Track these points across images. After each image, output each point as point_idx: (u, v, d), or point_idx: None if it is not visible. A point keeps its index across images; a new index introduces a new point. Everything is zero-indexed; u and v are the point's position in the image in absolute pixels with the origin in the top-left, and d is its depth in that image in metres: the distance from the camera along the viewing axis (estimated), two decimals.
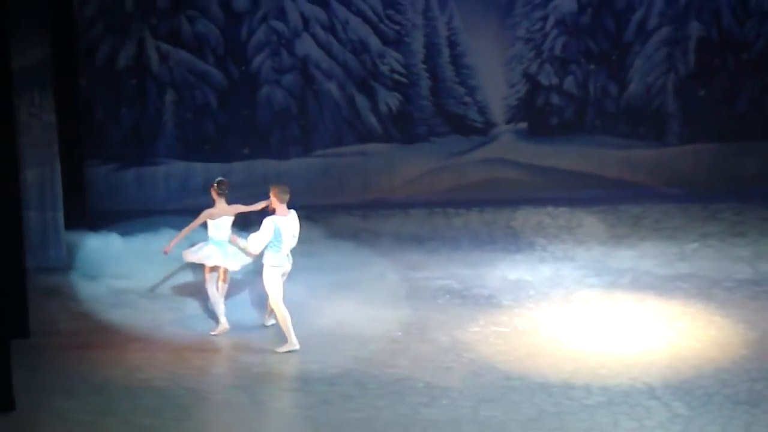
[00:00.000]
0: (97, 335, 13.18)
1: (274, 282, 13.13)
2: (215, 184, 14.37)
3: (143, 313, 14.05)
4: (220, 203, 14.28)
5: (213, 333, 13.65)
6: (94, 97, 20.09)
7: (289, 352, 12.75)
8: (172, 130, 20.36)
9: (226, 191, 14.33)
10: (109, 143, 20.19)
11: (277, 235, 13.07)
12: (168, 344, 12.79)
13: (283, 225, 13.14)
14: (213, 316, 13.81)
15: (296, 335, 12.74)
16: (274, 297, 13.09)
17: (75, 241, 17.37)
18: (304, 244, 17.03)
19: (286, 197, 13.26)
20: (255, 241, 13.14)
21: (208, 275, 14.09)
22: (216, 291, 14.06)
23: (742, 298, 13.90)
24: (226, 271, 14.10)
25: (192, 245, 14.38)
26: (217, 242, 14.09)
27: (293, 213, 13.34)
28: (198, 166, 20.40)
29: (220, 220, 14.19)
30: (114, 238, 17.56)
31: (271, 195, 13.32)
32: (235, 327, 13.45)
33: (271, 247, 13.11)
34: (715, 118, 20.75)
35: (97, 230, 17.87)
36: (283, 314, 13.02)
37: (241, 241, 13.62)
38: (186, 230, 14.28)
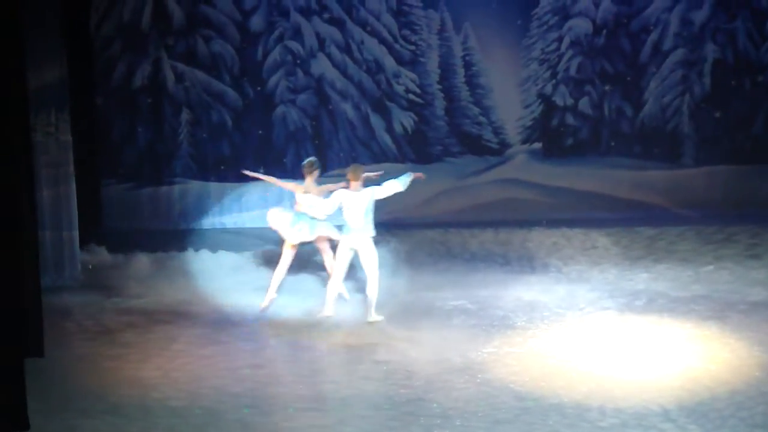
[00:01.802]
0: (113, 354, 13.19)
1: (340, 252, 14.36)
2: (303, 164, 15.10)
3: (158, 333, 14.05)
4: (308, 182, 14.94)
5: (261, 305, 14.65)
6: (110, 117, 20.24)
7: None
8: (188, 149, 20.45)
9: (312, 171, 14.95)
10: (125, 162, 20.31)
11: (345, 209, 14.20)
12: (184, 363, 12.79)
13: (347, 199, 14.19)
14: (230, 324, 13.94)
15: (311, 353, 12.86)
16: (337, 269, 14.42)
17: (91, 260, 17.42)
18: (313, 265, 17.12)
19: (358, 175, 14.29)
20: (319, 207, 14.46)
21: (290, 249, 14.93)
22: (285, 267, 14.87)
23: (757, 320, 13.84)
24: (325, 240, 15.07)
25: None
26: (303, 217, 14.78)
27: (366, 190, 14.27)
28: (213, 186, 20.49)
29: (305, 197, 14.82)
30: (129, 257, 17.61)
31: (347, 174, 14.37)
32: (245, 345, 13.45)
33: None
34: (730, 141, 20.76)
35: (112, 249, 17.91)
36: (331, 287, 14.41)
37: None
38: (274, 179, 15.49)
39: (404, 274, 16.48)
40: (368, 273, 14.39)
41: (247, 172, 15.73)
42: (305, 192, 14.87)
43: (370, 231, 14.38)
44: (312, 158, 15.41)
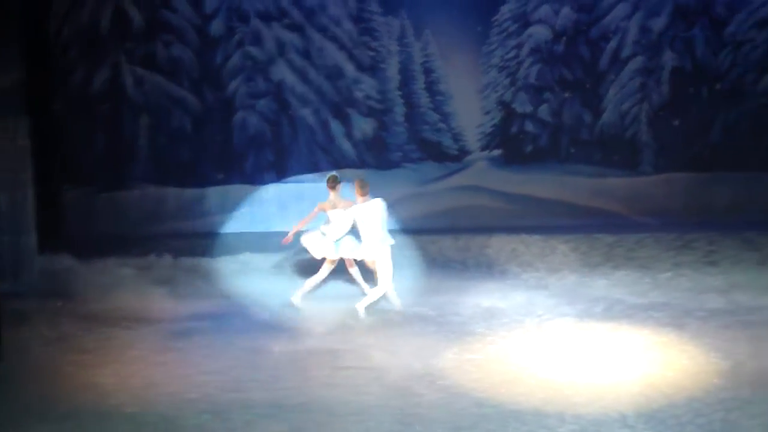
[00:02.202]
0: (70, 360, 13.10)
1: (386, 263, 15.08)
2: (327, 179, 15.75)
3: (115, 338, 13.98)
4: (333, 197, 15.63)
5: (293, 299, 15.47)
6: (69, 122, 20.08)
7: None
8: (147, 154, 20.35)
9: (336, 185, 15.63)
10: (84, 167, 20.17)
11: (362, 223, 14.96)
12: (140, 370, 12.73)
13: (361, 213, 14.98)
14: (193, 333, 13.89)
15: (271, 358, 12.84)
16: (387, 273, 15.08)
17: (49, 265, 17.31)
18: (276, 269, 17.09)
19: (365, 189, 15.07)
20: (337, 227, 15.27)
21: (329, 264, 15.65)
22: (320, 278, 15.66)
23: (715, 327, 13.92)
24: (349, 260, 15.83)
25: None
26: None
27: (376, 200, 15.05)
28: (172, 191, 20.39)
29: (332, 212, 15.48)
30: (89, 263, 17.50)
31: (356, 190, 15.16)
32: (203, 351, 13.39)
33: (363, 233, 15.08)
34: (688, 148, 20.86)
35: (72, 255, 17.80)
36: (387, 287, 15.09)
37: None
38: (302, 222, 15.79)
39: (364, 279, 16.47)
40: (381, 276, 15.16)
41: (289, 237, 15.91)
42: (333, 207, 15.53)
43: (390, 239, 15.21)
44: (333, 173, 16.07)
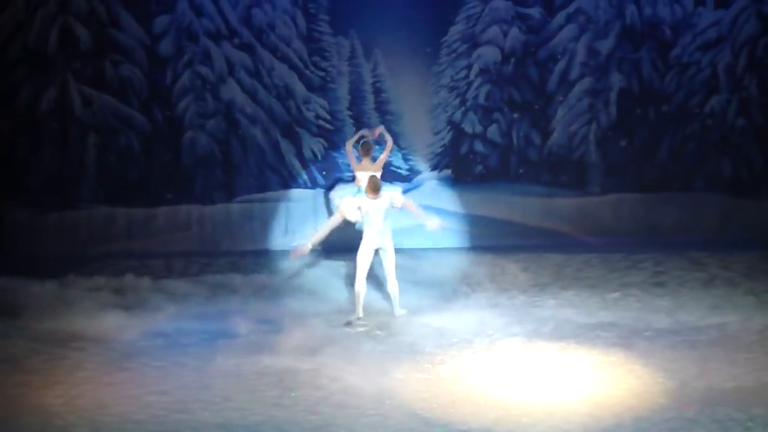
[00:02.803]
0: (15, 381, 12.98)
1: (363, 255, 15.56)
2: (362, 146, 16.97)
3: (63, 359, 13.86)
4: (365, 162, 16.96)
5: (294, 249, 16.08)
6: (15, 141, 19.93)
7: (357, 320, 15.45)
8: (95, 174, 20.23)
9: (368, 151, 16.92)
10: (30, 187, 20.02)
11: (365, 215, 15.55)
12: (88, 391, 12.63)
13: (366, 206, 15.55)
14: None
15: (219, 379, 12.74)
16: (359, 268, 15.50)
17: None
18: (224, 290, 17.05)
19: (377, 189, 15.49)
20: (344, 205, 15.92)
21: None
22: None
23: (662, 347, 13.99)
24: None
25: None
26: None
27: (384, 196, 15.59)
28: (120, 211, 20.28)
29: (362, 174, 16.69)
30: (34, 283, 17.34)
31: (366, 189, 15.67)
32: (151, 371, 13.31)
33: (364, 224, 15.64)
34: (635, 169, 21.05)
35: (17, 274, 17.64)
36: (358, 288, 15.49)
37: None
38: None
39: (313, 299, 16.46)
40: (388, 271, 15.83)
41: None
42: (363, 170, 16.76)
43: (389, 231, 15.81)
44: (367, 140, 17.15)
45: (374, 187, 15.58)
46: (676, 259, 19.19)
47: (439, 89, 20.95)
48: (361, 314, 15.61)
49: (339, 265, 19.12)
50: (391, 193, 16.12)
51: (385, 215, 15.77)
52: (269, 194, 20.64)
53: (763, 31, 20.97)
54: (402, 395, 12.30)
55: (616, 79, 20.96)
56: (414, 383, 12.75)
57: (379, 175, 16.57)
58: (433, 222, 15.97)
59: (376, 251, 15.77)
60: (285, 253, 19.85)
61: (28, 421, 11.51)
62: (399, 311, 15.90)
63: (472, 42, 20.93)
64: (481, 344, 14.38)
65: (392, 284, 15.91)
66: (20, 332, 15.17)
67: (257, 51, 20.51)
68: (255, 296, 16.76)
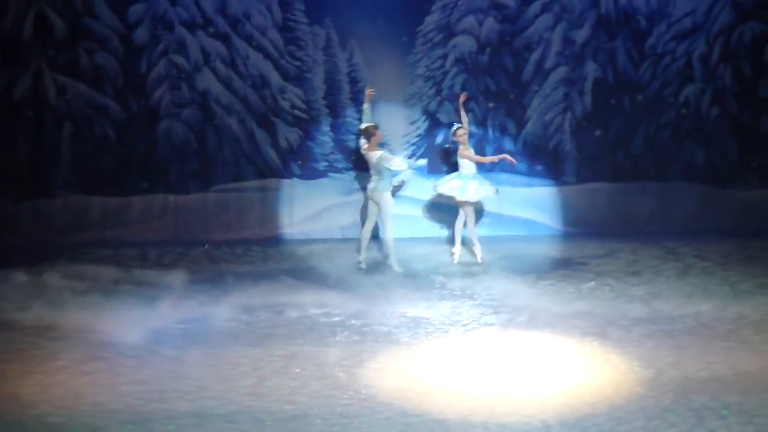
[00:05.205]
0: None
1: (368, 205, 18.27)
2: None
3: (38, 349, 13.82)
4: (462, 148, 18.47)
5: (453, 255, 18.68)
6: None
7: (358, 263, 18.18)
8: (70, 163, 20.15)
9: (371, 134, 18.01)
10: (5, 176, 19.90)
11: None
12: (64, 380, 12.60)
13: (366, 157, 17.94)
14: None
15: (195, 368, 12.76)
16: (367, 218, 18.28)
17: None
18: (205, 283, 17.02)
19: (368, 136, 17.99)
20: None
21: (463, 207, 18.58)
22: (461, 223, 18.63)
23: (638, 336, 14.05)
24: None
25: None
26: (464, 177, 18.42)
27: (376, 152, 17.84)
28: (95, 200, 20.21)
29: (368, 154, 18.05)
30: (8, 273, 17.26)
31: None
32: (128, 361, 13.29)
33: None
34: (611, 158, 21.11)
35: None
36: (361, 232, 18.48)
37: None
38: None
39: (288, 289, 16.45)
40: (380, 223, 18.01)
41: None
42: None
43: (381, 188, 17.73)
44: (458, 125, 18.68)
45: (366, 136, 17.83)
46: (651, 248, 19.29)
47: (414, 79, 20.91)
48: (359, 258, 18.23)
49: (316, 251, 19.17)
50: (383, 152, 17.85)
51: (376, 170, 17.67)
52: (245, 184, 20.60)
53: (738, 21, 21.04)
54: (378, 385, 12.32)
55: (591, 69, 20.98)
56: (390, 373, 12.78)
57: (373, 154, 17.87)
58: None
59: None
60: (260, 241, 19.92)
61: (3, 410, 11.49)
62: (394, 264, 18.01)
63: (448, 31, 20.90)
64: (457, 334, 14.42)
65: (384, 236, 18.04)
66: None
67: (232, 40, 20.44)
68: (230, 285, 16.72)
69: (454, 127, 18.59)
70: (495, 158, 18.65)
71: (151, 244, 19.74)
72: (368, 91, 18.54)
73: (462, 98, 18.95)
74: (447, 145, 19.92)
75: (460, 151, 18.42)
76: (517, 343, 13.89)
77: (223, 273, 17.78)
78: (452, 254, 18.68)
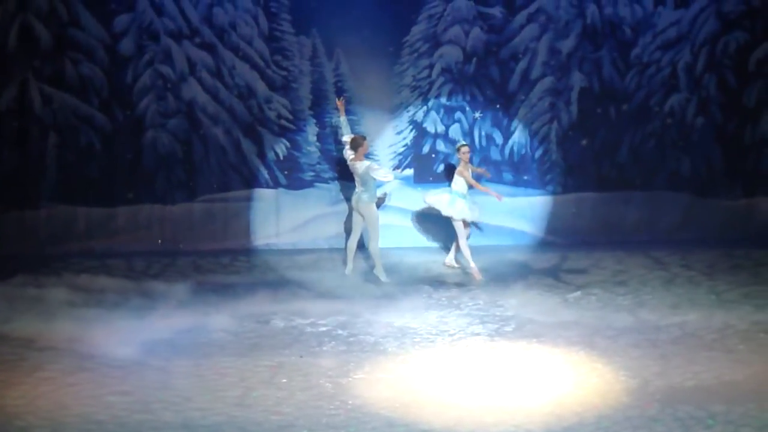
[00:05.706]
0: None
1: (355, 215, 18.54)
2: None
3: (23, 360, 13.79)
4: (462, 166, 18.59)
5: (472, 268, 18.38)
6: None
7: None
8: (55, 173, 20.09)
9: (358, 146, 18.13)
10: None
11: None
12: (49, 392, 12.57)
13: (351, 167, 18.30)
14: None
15: (181, 379, 12.73)
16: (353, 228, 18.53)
17: None
18: (191, 293, 16.98)
19: (356, 147, 18.17)
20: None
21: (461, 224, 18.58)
22: (464, 240, 18.51)
23: (624, 346, 14.08)
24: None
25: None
26: (457, 194, 18.60)
27: (365, 162, 18.11)
28: (81, 210, 20.15)
29: (353, 165, 18.24)
30: None
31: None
32: (113, 372, 13.26)
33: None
34: (596, 168, 21.13)
35: None
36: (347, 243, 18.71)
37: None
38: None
39: (275, 300, 16.44)
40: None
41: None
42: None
43: (367, 199, 18.03)
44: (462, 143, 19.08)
45: (354, 147, 18.06)
46: (637, 257, 19.31)
47: (401, 89, 20.91)
48: (346, 268, 18.51)
49: (302, 261, 19.16)
50: (371, 163, 18.13)
51: (362, 181, 18.00)
52: (231, 194, 20.57)
53: (722, 31, 21.09)
54: (364, 395, 12.32)
55: (577, 79, 21.01)
56: (376, 383, 12.78)
57: (360, 165, 18.06)
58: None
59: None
60: (247, 252, 19.90)
61: None
62: (381, 274, 18.24)
63: (434, 41, 20.91)
64: (444, 344, 14.43)
65: (370, 246, 18.34)
66: None
67: (218, 50, 20.40)
68: (216, 295, 16.71)
69: (459, 144, 18.90)
70: (487, 190, 18.60)
71: (138, 254, 19.69)
72: (339, 102, 18.80)
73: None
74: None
75: (458, 168, 18.46)
76: (503, 353, 13.91)
77: (209, 283, 17.75)
78: (472, 272, 18.49)
